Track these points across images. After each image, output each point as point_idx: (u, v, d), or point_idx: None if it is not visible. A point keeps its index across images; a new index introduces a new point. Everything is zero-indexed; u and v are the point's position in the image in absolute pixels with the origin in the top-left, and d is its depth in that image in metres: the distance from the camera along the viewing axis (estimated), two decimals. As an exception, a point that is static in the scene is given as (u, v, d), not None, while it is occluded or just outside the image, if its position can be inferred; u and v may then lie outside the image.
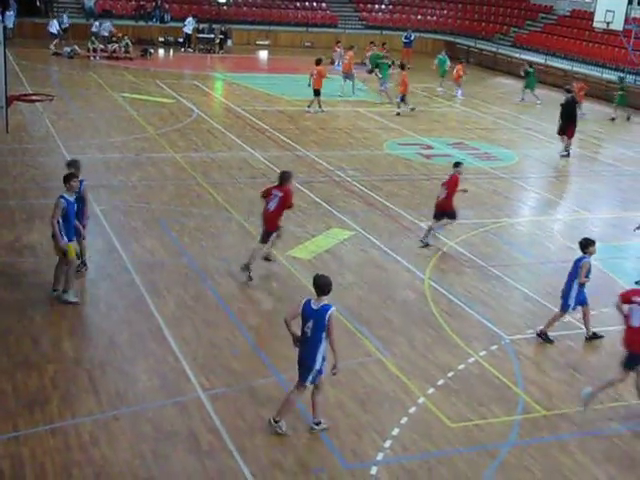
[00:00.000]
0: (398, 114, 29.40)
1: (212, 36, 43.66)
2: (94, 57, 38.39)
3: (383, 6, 51.80)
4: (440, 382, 11.32)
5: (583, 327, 13.18)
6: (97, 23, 40.26)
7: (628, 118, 32.09)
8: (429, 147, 25.19)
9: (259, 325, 12.76)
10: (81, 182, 13.45)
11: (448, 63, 36.46)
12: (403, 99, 29.84)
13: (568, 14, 47.13)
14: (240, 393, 10.73)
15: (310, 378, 9.80)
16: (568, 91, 26.22)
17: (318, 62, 29.22)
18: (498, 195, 20.66)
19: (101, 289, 13.61)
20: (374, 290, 14.32)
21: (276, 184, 14.51)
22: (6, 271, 14.05)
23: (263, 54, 45.28)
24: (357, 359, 11.79)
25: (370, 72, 35.12)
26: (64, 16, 41.04)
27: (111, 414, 10.02)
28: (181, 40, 43.53)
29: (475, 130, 28.39)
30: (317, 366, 9.72)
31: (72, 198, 12.85)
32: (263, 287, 14.18)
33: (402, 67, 31.35)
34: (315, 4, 50.78)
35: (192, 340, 12.03)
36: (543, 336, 12.84)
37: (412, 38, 42.43)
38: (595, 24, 37.51)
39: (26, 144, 21.91)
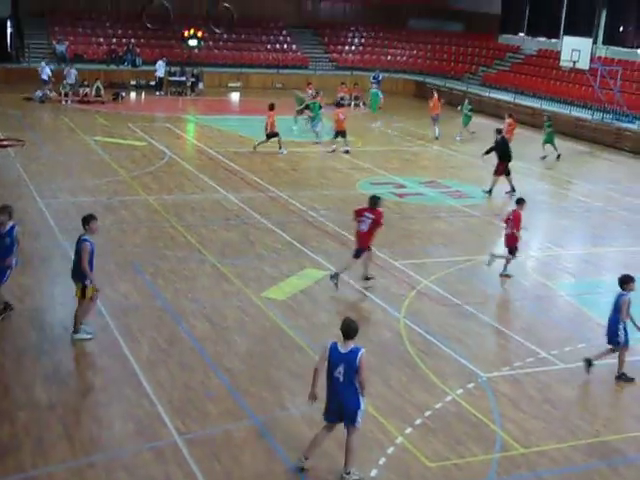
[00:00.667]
0: (333, 151, 29.55)
1: (184, 79, 43.83)
2: (65, 101, 38.40)
3: (353, 47, 52.39)
4: (418, 421, 11.27)
5: (559, 363, 13.22)
6: (68, 68, 40.29)
7: (558, 157, 31.31)
8: (402, 186, 25.32)
9: (235, 367, 12.66)
10: (12, 227, 13.45)
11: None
12: (337, 135, 29.85)
13: (535, 53, 47.87)
14: (216, 436, 10.61)
15: (359, 419, 9.70)
16: (499, 132, 26.34)
17: (271, 107, 29.03)
18: (471, 232, 20.78)
19: (74, 334, 13.48)
20: (350, 330, 14.26)
21: (367, 206, 15.93)
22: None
23: (235, 96, 45.50)
24: (334, 400, 11.71)
25: (300, 113, 34.87)
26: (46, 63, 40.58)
27: (85, 461, 9.87)
28: (153, 83, 43.67)
29: (447, 168, 28.61)
30: (362, 406, 9.70)
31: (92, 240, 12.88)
32: (238, 328, 14.10)
33: (337, 105, 31.78)
34: (286, 46, 51.22)
35: (167, 383, 11.92)
36: (623, 377, 12.86)
37: (380, 78, 42.80)
38: (562, 63, 38.10)
39: (-3, 189, 21.81)
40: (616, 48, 43.27)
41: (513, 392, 12.38)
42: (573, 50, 36.76)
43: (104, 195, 21.93)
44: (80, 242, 12.77)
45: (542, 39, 48.28)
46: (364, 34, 54.07)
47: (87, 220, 12.91)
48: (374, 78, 42.61)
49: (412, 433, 10.95)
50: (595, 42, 40.50)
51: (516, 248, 17.24)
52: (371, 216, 15.83)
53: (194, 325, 14.05)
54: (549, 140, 31.18)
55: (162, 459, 9.99)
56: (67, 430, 10.49)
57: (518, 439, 10.96)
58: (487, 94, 42.62)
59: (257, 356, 13.11)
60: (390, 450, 10.51)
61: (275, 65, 49.02)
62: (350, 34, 53.84)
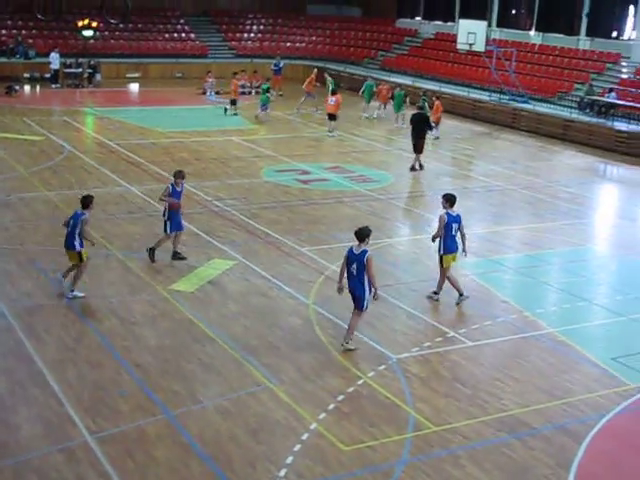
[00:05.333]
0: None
1: (80, 70, 42.88)
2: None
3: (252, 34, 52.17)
4: (331, 406, 11.34)
5: (467, 341, 13.50)
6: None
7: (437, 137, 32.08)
8: (306, 172, 25.38)
9: (145, 362, 12.49)
10: None
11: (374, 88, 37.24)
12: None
13: (432, 37, 48.52)
14: (129, 434, 10.47)
15: (365, 304, 12.79)
16: (420, 108, 27.10)
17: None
18: (376, 216, 20.97)
19: (-24, 337, 13.10)
20: (259, 318, 14.27)
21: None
22: None
23: (134, 87, 44.73)
24: (246, 389, 11.71)
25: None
26: None
27: (-7, 467, 9.62)
28: (48, 76, 42.55)
29: (350, 153, 28.79)
30: (367, 295, 12.69)
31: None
32: (147, 323, 13.92)
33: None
34: (184, 35, 50.62)
35: (76, 383, 11.69)
36: None
37: (281, 65, 42.72)
38: (458, 46, 38.73)
39: None
40: (510, 30, 44.24)
41: (423, 372, 12.57)
42: (469, 33, 37.41)
43: (2, 192, 21.33)
44: (79, 216, 14.67)
45: (439, 23, 48.98)
46: (262, 21, 53.83)
47: (87, 200, 14.92)
48: (275, 65, 42.52)
49: (326, 418, 11.02)
50: (489, 25, 41.30)
51: None
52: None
53: (101, 321, 13.82)
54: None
55: (74, 460, 9.81)
56: (-27, 436, 10.21)
57: (430, 418, 11.15)
58: (387, 78, 42.98)
59: (167, 350, 12.97)
60: (305, 436, 10.56)
61: (174, 54, 48.42)
62: (248, 22, 53.53)
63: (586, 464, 10.25)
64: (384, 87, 36.78)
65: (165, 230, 16.67)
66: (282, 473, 9.74)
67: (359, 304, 12.84)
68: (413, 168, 26.15)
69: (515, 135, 34.80)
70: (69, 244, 14.81)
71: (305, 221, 20.05)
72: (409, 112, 30.93)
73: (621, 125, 32.79)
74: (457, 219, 14.89)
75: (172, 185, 16.69)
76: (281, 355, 12.90)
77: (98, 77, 43.59)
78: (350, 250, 12.77)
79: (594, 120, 33.77)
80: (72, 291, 14.76)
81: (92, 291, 15.04)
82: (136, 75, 46.28)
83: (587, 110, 34.93)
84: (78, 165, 24.95)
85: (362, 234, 12.70)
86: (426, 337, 13.67)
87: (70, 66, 43.02)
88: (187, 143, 29.00)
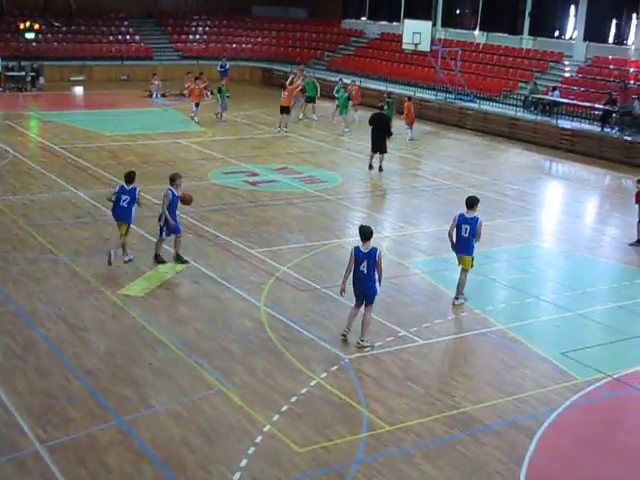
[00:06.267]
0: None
1: (23, 74, 42.23)
2: None
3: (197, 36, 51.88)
4: (284, 408, 11.32)
5: (419, 340, 13.58)
6: None
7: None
8: (254, 174, 25.31)
9: (95, 368, 12.34)
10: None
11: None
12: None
13: (378, 37, 48.74)
14: (80, 441, 10.32)
15: (374, 301, 13.26)
16: (381, 108, 27.33)
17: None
18: (326, 217, 20.99)
19: None
20: (210, 321, 14.20)
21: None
22: None
23: (79, 90, 44.11)
24: (199, 393, 11.63)
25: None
26: None
27: (-59, 479, 9.43)
28: (-11, 79, 41.85)
29: (299, 154, 28.78)
30: (378, 291, 13.21)
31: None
32: (96, 328, 13.75)
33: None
34: (128, 37, 50.10)
35: (25, 391, 11.50)
36: None
37: (227, 67, 42.57)
38: (404, 46, 38.96)
39: None
40: (455, 30, 44.64)
41: (376, 372, 12.61)
42: (414, 33, 37.64)
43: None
44: (134, 190, 16.32)
45: (384, 23, 49.21)
46: (208, 22, 53.52)
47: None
48: (221, 67, 42.35)
49: (279, 420, 10.99)
50: (434, 25, 41.58)
51: None
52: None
53: (50, 328, 13.61)
54: (390, 114, 32.56)
55: (24, 470, 9.64)
56: None
57: (383, 417, 11.18)
58: (334, 79, 43.04)
59: (118, 355, 12.84)
60: (259, 439, 10.52)
61: (119, 57, 47.92)
62: (194, 23, 53.18)
63: (537, 458, 10.37)
64: (353, 88, 36.27)
65: (161, 235, 16.63)
66: (236, 476, 9.69)
67: (370, 300, 13.24)
68: (381, 169, 26.04)
69: (462, 134, 35.13)
70: (125, 217, 16.32)
71: (254, 223, 20.00)
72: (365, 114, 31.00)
73: (565, 123, 33.30)
74: (470, 221, 14.92)
75: (171, 190, 16.39)
76: (233, 358, 12.84)
77: (41, 80, 42.96)
78: (357, 250, 13.06)
79: (539, 118, 34.24)
80: (127, 255, 16.49)
81: (40, 297, 14.81)
82: (80, 78, 45.69)
83: (532, 108, 35.43)
84: (23, 170, 24.57)
85: (368, 233, 13.07)
86: (378, 337, 13.70)
87: (12, 69, 42.34)
88: (134, 146, 28.73)
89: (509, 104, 36.04)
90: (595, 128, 32.19)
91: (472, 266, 15.22)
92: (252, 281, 16.16)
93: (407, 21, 39.68)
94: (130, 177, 16.39)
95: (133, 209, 16.37)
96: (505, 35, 42.48)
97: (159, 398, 11.46)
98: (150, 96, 40.25)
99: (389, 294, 15.67)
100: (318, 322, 14.30)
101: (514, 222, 21.16)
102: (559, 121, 33.48)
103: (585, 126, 32.76)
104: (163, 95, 40.26)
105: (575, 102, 34.50)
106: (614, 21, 39.31)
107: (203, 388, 11.81)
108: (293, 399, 11.57)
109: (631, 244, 19.42)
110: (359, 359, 12.95)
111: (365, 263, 12.94)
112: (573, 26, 40.34)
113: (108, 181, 23.18)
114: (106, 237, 18.22)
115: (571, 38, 40.41)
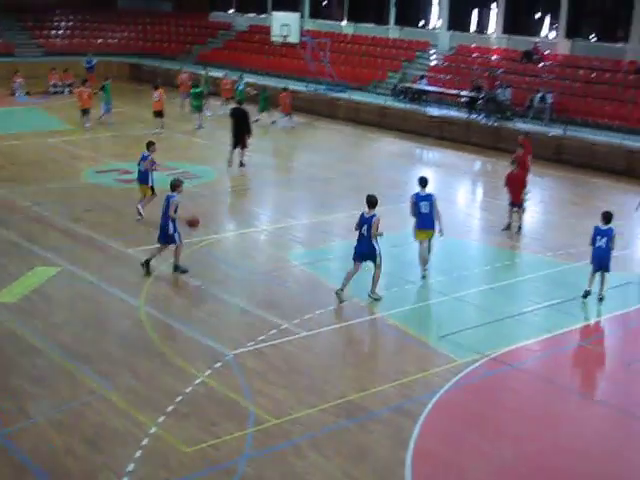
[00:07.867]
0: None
1: None
2: None
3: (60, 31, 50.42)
4: (169, 408, 11.17)
5: (301, 332, 13.64)
6: None
7: (273, 122, 33.71)
8: (127, 172, 24.81)
9: (-31, 380, 11.89)
10: None
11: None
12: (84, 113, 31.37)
13: (246, 30, 48.62)
14: (-43, 457, 9.93)
15: (378, 260, 14.88)
16: (239, 102, 27.51)
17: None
18: (202, 213, 20.76)
19: None
20: (89, 325, 13.87)
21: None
22: None
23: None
24: (80, 399, 11.35)
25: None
26: None
27: None
28: None
29: (172, 150, 28.38)
30: (378, 250, 14.86)
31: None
32: (-32, 339, 13.25)
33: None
34: (-14, 33, 48.31)
35: None
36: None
37: (94, 63, 41.63)
38: (273, 38, 39.02)
39: None
40: (322, 21, 45.00)
41: (260, 366, 12.60)
42: (283, 25, 37.77)
43: None
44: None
45: (252, 15, 49.14)
46: (71, 17, 52.03)
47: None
48: (87, 63, 41.38)
49: (165, 421, 10.85)
50: (302, 16, 41.82)
51: None
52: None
53: None
54: (265, 108, 33.75)
55: None
56: None
57: (270, 411, 11.19)
58: (204, 72, 42.68)
59: (-7, 365, 12.40)
60: (145, 442, 10.35)
61: (-23, 54, 46.15)
62: (57, 18, 51.63)
63: (422, 441, 10.59)
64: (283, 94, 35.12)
65: (174, 241, 16.07)
66: (124, 482, 9.54)
67: (374, 259, 14.91)
68: (241, 163, 25.97)
69: (334, 124, 35.43)
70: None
71: (128, 222, 19.63)
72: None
73: (433, 110, 34.07)
74: (426, 198, 16.59)
75: (173, 196, 15.94)
76: (114, 361, 12.59)
77: None
78: (362, 215, 14.92)
79: (408, 106, 34.90)
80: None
81: None
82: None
83: (401, 97, 36.07)
84: None
85: (373, 200, 14.91)
86: (260, 331, 13.70)
87: None
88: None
89: (379, 93, 36.59)
90: (462, 115, 33.07)
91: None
92: (130, 281, 15.88)
93: (275, 13, 39.84)
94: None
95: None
96: (372, 26, 43.14)
97: (38, 408, 11.11)
98: (13, 95, 38.96)
99: (269, 287, 15.70)
100: (199, 319, 14.19)
101: (390, 210, 21.46)
102: (428, 109, 34.23)
103: (453, 113, 33.64)
104: (27, 93, 39.03)
105: (442, 90, 35.32)
106: (476, 10, 40.51)
107: (85, 394, 11.53)
108: (178, 399, 11.44)
109: (503, 229, 19.98)
110: (243, 354, 12.90)
111: (365, 226, 14.81)
112: (437, 16, 41.30)
113: (-27, 184, 22.34)
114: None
115: (435, 28, 41.35)
